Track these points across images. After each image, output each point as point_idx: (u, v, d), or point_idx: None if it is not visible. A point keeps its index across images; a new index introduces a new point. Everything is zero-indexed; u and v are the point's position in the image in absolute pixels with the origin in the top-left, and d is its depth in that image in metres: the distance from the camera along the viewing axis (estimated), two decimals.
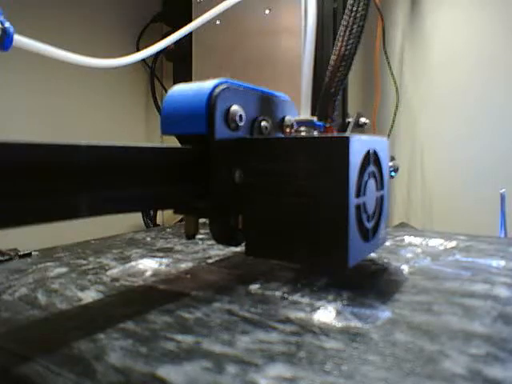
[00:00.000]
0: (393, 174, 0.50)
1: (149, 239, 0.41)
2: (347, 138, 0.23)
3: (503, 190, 0.59)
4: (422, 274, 0.28)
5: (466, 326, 0.20)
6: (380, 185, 0.28)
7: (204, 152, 0.25)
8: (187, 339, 0.19)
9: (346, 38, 0.48)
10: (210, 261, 0.32)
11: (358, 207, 0.24)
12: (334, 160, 0.23)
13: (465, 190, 0.74)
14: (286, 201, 0.25)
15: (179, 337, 0.19)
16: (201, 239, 0.41)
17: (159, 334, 0.19)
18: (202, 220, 0.55)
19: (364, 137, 0.25)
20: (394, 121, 0.79)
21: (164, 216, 0.95)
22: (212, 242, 0.40)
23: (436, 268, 0.29)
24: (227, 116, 0.26)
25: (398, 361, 0.16)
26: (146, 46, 0.85)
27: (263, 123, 0.29)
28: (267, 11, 0.60)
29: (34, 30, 0.68)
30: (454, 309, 0.22)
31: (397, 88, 0.80)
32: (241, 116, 0.26)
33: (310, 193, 0.24)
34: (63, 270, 0.30)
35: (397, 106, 0.79)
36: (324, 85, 0.50)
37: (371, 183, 0.26)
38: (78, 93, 0.77)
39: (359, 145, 0.24)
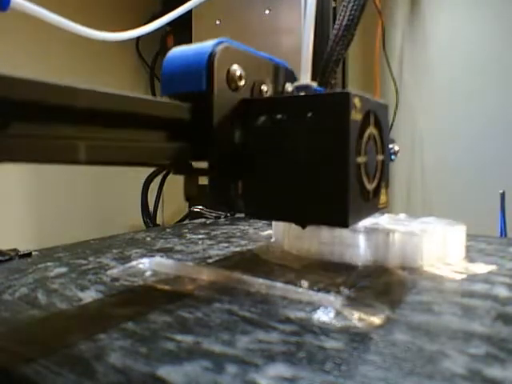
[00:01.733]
0: (393, 157, 0.49)
1: (149, 239, 0.41)
2: (348, 93, 0.23)
3: (503, 190, 0.59)
4: (422, 274, 0.28)
5: (465, 325, 0.20)
6: (380, 149, 0.27)
7: (204, 110, 0.25)
8: (187, 339, 0.19)
9: (349, 8, 0.48)
10: (209, 261, 0.32)
11: (358, 166, 0.24)
12: (334, 116, 0.23)
13: (465, 190, 0.74)
14: (286, 160, 0.25)
15: (179, 337, 0.19)
16: (201, 239, 0.41)
17: (159, 334, 0.19)
18: (201, 220, 0.55)
19: (365, 95, 0.25)
20: (393, 121, 0.79)
21: (164, 216, 0.95)
22: (212, 241, 0.40)
23: None
24: (227, 75, 0.26)
25: (398, 361, 0.16)
26: (146, 46, 0.85)
27: (263, 87, 0.29)
28: (267, 11, 0.60)
29: (38, 27, 0.68)
30: (454, 309, 0.22)
31: (397, 88, 0.80)
32: (241, 76, 0.26)
33: (310, 151, 0.24)
34: (63, 269, 0.30)
35: (397, 106, 0.79)
36: (326, 53, 0.50)
37: (371, 145, 0.26)
38: None
39: (360, 102, 0.24)
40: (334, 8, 0.61)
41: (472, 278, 0.27)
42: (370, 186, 0.26)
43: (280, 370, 0.16)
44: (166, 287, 0.26)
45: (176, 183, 0.94)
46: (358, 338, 0.18)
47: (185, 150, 0.25)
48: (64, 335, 0.20)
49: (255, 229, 0.47)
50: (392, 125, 0.80)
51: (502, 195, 0.58)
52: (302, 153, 0.24)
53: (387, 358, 0.17)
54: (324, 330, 0.19)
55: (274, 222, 0.38)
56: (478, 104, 0.76)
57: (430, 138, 0.81)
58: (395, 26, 0.84)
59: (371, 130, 0.26)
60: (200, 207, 0.59)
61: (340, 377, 0.15)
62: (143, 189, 0.79)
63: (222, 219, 0.55)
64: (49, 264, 0.32)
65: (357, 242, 0.30)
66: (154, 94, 0.88)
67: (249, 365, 0.16)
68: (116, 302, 0.24)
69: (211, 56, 0.25)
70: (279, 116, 0.25)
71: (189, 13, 0.66)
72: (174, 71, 0.26)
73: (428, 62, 0.81)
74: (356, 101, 0.23)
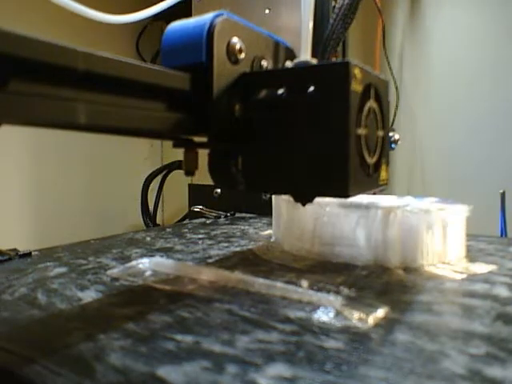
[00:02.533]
0: (393, 145, 0.49)
1: (149, 239, 0.41)
2: (348, 63, 0.23)
3: (503, 190, 0.59)
4: (422, 274, 0.28)
5: (465, 325, 0.20)
6: (381, 124, 0.27)
7: (203, 82, 0.25)
8: (187, 339, 0.19)
9: None
10: (209, 261, 0.32)
11: (358, 138, 0.24)
12: (334, 86, 0.23)
13: (465, 190, 0.74)
14: (286, 131, 0.25)
15: (179, 337, 0.19)
16: (201, 239, 0.41)
17: (159, 334, 0.19)
18: (201, 220, 0.55)
19: (366, 67, 0.25)
20: (393, 120, 0.79)
21: (164, 216, 0.95)
22: (212, 241, 0.40)
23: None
24: (227, 47, 0.26)
25: (398, 361, 0.16)
26: (145, 45, 0.85)
27: (263, 62, 0.29)
28: (267, 11, 0.60)
29: (38, 27, 0.68)
30: (454, 309, 0.22)
31: (397, 88, 0.80)
32: (241, 49, 0.26)
33: (310, 122, 0.24)
34: (63, 269, 0.30)
35: (397, 106, 0.79)
36: (326, 33, 0.50)
37: (372, 119, 0.26)
38: None
39: (361, 73, 0.24)
40: None
41: (472, 277, 0.27)
42: (371, 160, 0.26)
43: (280, 369, 0.16)
44: (166, 287, 0.26)
45: (176, 183, 0.93)
46: (358, 338, 0.18)
47: (184, 121, 0.25)
48: (64, 335, 0.20)
49: (255, 229, 0.47)
50: (392, 124, 0.80)
51: (503, 195, 0.58)
52: (302, 124, 0.24)
53: (387, 358, 0.17)
54: (324, 330, 0.19)
55: (273, 222, 0.38)
56: (478, 104, 0.76)
57: (430, 138, 0.81)
58: (395, 25, 0.84)
59: (371, 103, 0.25)
60: (200, 207, 0.59)
61: (340, 377, 0.15)
62: (143, 189, 0.79)
63: (222, 219, 0.55)
64: (49, 264, 0.32)
65: (357, 242, 0.30)
66: None
67: (249, 365, 0.16)
68: (116, 302, 0.24)
69: (211, 27, 0.25)
70: (279, 88, 0.25)
71: (188, 12, 0.66)
72: (173, 43, 0.26)
73: (428, 62, 0.81)
74: (356, 71, 0.23)
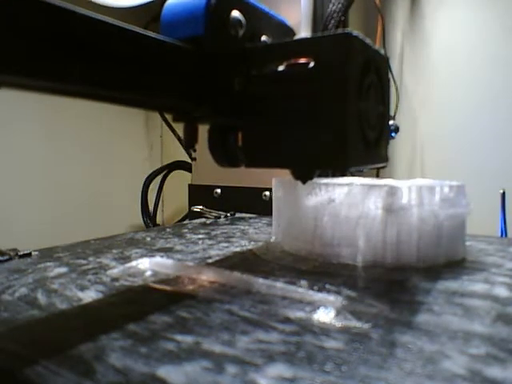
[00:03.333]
0: (393, 134, 0.49)
1: (149, 239, 0.41)
2: (349, 34, 0.23)
3: (503, 189, 0.59)
4: (422, 274, 0.28)
5: (465, 326, 0.20)
6: (381, 100, 0.27)
7: (203, 56, 0.25)
8: (187, 339, 0.19)
9: None
10: (209, 261, 0.32)
11: (358, 110, 0.24)
12: (335, 56, 0.23)
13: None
14: (287, 105, 0.25)
15: (179, 337, 0.19)
16: (201, 239, 0.41)
17: (159, 334, 0.19)
18: (201, 220, 0.55)
19: (367, 40, 0.25)
20: (394, 120, 0.79)
21: (164, 216, 0.95)
22: (212, 241, 0.40)
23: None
24: (227, 21, 0.25)
25: (398, 361, 0.16)
26: None
27: (263, 38, 0.28)
28: None
29: None
30: (454, 309, 0.22)
31: (397, 88, 0.80)
32: (240, 23, 0.26)
33: (311, 93, 0.24)
34: (63, 270, 0.30)
35: (397, 106, 0.79)
36: (327, 11, 0.50)
37: (372, 94, 0.26)
38: None
39: (360, 44, 0.24)
40: None
41: (472, 277, 0.27)
42: (371, 134, 0.25)
43: (280, 370, 0.16)
44: (166, 287, 0.26)
45: (176, 183, 0.93)
46: (358, 338, 0.18)
47: (183, 94, 0.25)
48: (64, 335, 0.20)
49: (255, 229, 0.47)
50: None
51: (503, 195, 0.58)
52: (302, 95, 0.24)
53: (387, 358, 0.17)
54: (324, 330, 0.19)
55: (273, 222, 0.38)
56: (478, 103, 0.76)
57: (430, 138, 0.81)
58: (395, 25, 0.84)
59: (372, 77, 0.25)
60: (200, 207, 0.60)
61: (340, 377, 0.15)
62: (143, 189, 0.79)
63: (222, 219, 0.55)
64: (48, 264, 0.32)
65: (357, 242, 0.30)
66: None
67: (249, 365, 0.16)
68: (116, 302, 0.24)
69: (211, 0, 0.24)
70: (279, 61, 0.25)
71: None
72: (172, 16, 0.26)
73: (428, 62, 0.81)
74: (357, 43, 0.23)
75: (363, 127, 0.24)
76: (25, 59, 0.17)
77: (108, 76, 0.20)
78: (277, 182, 0.37)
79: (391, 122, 0.47)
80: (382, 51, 0.28)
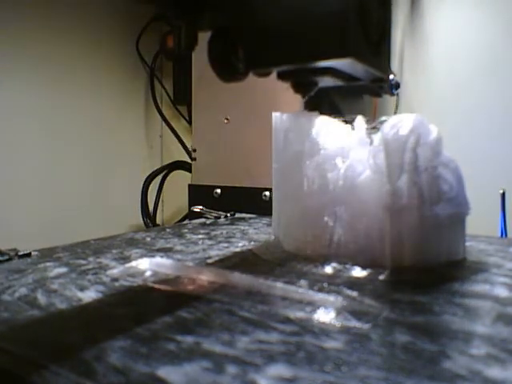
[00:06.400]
0: (394, 90, 0.47)
1: (149, 239, 0.41)
2: None
3: (503, 189, 0.59)
4: (422, 274, 0.28)
5: (466, 326, 0.20)
6: (382, 2, 0.27)
7: None
8: (187, 339, 0.19)
9: None
10: (209, 261, 0.32)
11: (359, 3, 0.24)
12: None
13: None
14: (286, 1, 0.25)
15: (179, 337, 0.19)
16: (201, 239, 0.41)
17: (159, 334, 0.19)
18: (201, 220, 0.55)
19: None
20: None
21: (164, 216, 0.95)
22: (212, 241, 0.40)
23: None
24: None
25: (398, 361, 0.16)
26: (145, 46, 0.85)
27: None
28: None
29: (39, 28, 0.68)
30: (454, 309, 0.22)
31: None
32: None
33: None
34: (63, 270, 0.30)
35: (397, 106, 0.79)
36: None
37: None
38: (78, 93, 0.77)
39: None
40: None
41: (473, 278, 0.27)
42: (372, 32, 0.25)
43: (280, 370, 0.16)
44: (166, 287, 0.26)
45: (176, 183, 0.93)
46: (358, 338, 0.18)
47: None
48: (64, 335, 0.20)
49: (255, 229, 0.47)
50: None
51: (503, 195, 0.58)
52: None
53: (387, 358, 0.17)
54: (324, 330, 0.19)
55: (273, 223, 0.38)
56: (478, 103, 0.75)
57: None
58: (395, 25, 0.84)
59: None
60: (200, 207, 0.59)
61: (340, 377, 0.15)
62: (143, 189, 0.79)
63: (222, 219, 0.55)
64: (48, 264, 0.32)
65: (357, 242, 0.30)
66: (153, 94, 0.88)
67: (249, 365, 0.16)
68: (116, 302, 0.24)
69: None
70: None
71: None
72: None
73: (428, 62, 0.81)
74: None
75: (364, 18, 0.24)
76: None
77: None
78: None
79: (391, 77, 0.46)
80: None
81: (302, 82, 0.28)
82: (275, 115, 0.36)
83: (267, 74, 0.29)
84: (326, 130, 0.33)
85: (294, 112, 0.36)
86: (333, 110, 0.46)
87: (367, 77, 0.28)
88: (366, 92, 0.48)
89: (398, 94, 0.80)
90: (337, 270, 0.29)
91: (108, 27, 0.82)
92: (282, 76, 0.29)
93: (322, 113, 0.35)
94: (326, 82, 0.29)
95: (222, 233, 0.44)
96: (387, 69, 0.28)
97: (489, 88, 0.75)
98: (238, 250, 0.36)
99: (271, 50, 0.25)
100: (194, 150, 0.68)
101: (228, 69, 0.28)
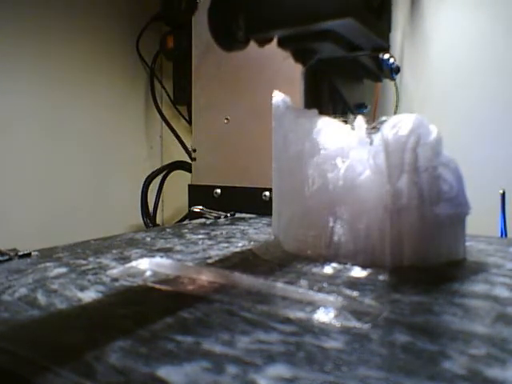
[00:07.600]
0: (393, 75, 0.47)
1: (149, 239, 0.41)
2: None
3: (503, 190, 0.59)
4: (422, 274, 0.28)
5: (466, 326, 0.20)
6: None
7: None
8: (187, 339, 0.19)
9: None
10: (209, 261, 0.32)
11: None
12: None
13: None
14: None
15: (179, 337, 0.19)
16: (201, 239, 0.41)
17: (159, 334, 0.19)
18: (201, 220, 0.55)
19: None
20: None
21: (164, 216, 0.95)
22: (212, 241, 0.40)
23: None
24: None
25: (398, 361, 0.16)
26: (145, 47, 0.85)
27: None
28: None
29: (38, 28, 0.68)
30: (454, 309, 0.22)
31: (397, 87, 0.80)
32: None
33: None
34: (63, 270, 0.30)
35: (397, 106, 0.79)
36: None
37: None
38: (78, 93, 0.77)
39: None
40: None
41: (473, 278, 0.27)
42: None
43: (280, 370, 0.16)
44: (166, 287, 0.26)
45: (176, 183, 0.93)
46: (358, 338, 0.18)
47: None
48: (64, 335, 0.20)
49: (255, 229, 0.47)
50: None
51: (503, 195, 0.58)
52: None
53: (387, 358, 0.17)
54: (324, 330, 0.19)
55: (273, 223, 0.38)
56: (478, 103, 0.75)
57: None
58: (395, 25, 0.84)
59: None
60: (200, 207, 0.59)
61: (340, 377, 0.15)
62: (143, 189, 0.79)
63: (222, 219, 0.55)
64: (48, 264, 0.32)
65: (357, 243, 0.30)
66: (153, 94, 0.88)
67: (249, 365, 0.16)
68: (116, 302, 0.24)
69: None
70: None
71: (189, 13, 0.66)
72: None
73: (428, 62, 0.81)
74: None
75: None
76: None
77: None
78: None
79: (392, 61, 0.46)
80: None
81: (302, 50, 0.28)
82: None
83: (268, 42, 0.28)
84: (326, 129, 0.33)
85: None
86: (333, 96, 0.45)
87: (368, 45, 0.28)
88: (366, 76, 0.48)
89: (397, 89, 0.80)
90: (337, 270, 0.29)
91: (108, 27, 0.82)
92: (282, 43, 0.29)
93: (322, 101, 0.35)
94: (326, 51, 0.29)
95: (221, 233, 0.44)
96: (388, 37, 0.28)
97: (489, 88, 0.75)
98: (238, 250, 0.36)
99: (271, 13, 0.25)
100: (194, 150, 0.68)
101: (228, 37, 0.28)
